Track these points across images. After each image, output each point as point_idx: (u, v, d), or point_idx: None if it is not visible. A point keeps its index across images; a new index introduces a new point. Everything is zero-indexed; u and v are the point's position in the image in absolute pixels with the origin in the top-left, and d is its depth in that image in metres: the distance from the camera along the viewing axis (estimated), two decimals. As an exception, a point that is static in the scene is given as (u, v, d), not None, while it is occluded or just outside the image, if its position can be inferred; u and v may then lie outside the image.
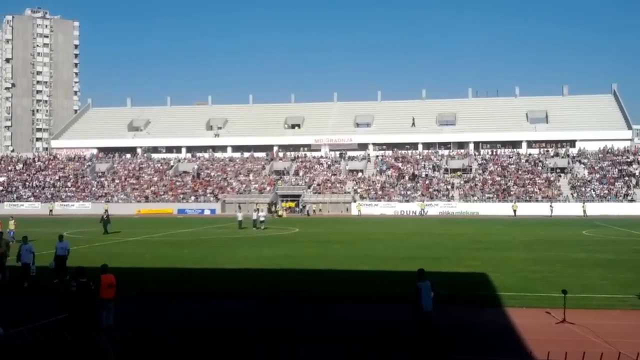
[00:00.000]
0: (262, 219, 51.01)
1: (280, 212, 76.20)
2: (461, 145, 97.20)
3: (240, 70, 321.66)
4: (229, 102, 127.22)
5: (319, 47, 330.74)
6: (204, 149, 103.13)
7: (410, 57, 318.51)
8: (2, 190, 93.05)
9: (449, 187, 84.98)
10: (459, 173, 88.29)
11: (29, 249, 21.35)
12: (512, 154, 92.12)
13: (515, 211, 74.82)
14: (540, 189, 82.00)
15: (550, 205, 74.73)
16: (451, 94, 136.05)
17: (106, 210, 48.79)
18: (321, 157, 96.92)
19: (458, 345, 13.30)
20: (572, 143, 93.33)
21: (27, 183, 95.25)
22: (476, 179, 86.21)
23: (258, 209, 54.21)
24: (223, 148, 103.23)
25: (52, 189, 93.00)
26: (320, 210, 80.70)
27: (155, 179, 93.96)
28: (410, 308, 13.65)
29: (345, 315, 16.38)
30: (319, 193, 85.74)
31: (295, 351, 8.50)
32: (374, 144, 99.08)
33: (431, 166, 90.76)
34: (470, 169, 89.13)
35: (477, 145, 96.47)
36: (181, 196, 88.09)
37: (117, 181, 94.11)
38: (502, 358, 11.96)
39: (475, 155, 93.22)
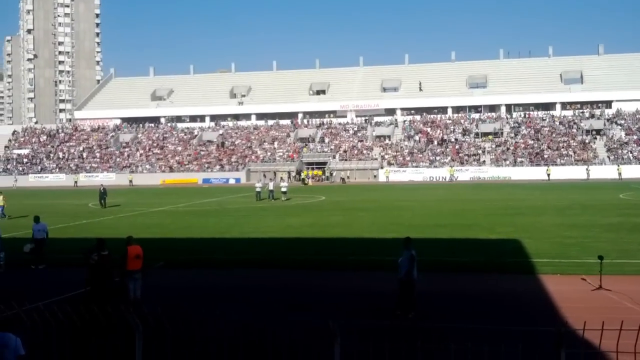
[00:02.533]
0: (283, 189, 47.81)
1: (306, 180, 76.32)
2: (492, 108, 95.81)
3: (264, 36, 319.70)
4: (253, 69, 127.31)
5: (344, 9, 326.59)
6: (227, 117, 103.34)
7: (439, 18, 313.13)
8: (26, 163, 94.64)
9: (480, 151, 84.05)
10: (490, 137, 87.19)
11: (43, 227, 20.28)
12: (546, 116, 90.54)
13: (549, 175, 73.87)
14: (574, 152, 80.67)
15: (587, 169, 73.63)
16: (481, 56, 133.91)
17: (102, 185, 47.90)
18: (347, 123, 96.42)
19: (491, 314, 13.21)
20: (608, 104, 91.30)
21: (52, 155, 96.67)
22: (508, 143, 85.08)
23: (272, 178, 53.58)
24: (247, 116, 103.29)
25: (76, 160, 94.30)
26: (348, 177, 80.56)
27: (180, 148, 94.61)
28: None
29: (372, 284, 16.36)
30: (346, 160, 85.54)
31: (325, 323, 8.50)
32: (402, 109, 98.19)
33: (461, 130, 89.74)
34: (502, 133, 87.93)
35: (509, 107, 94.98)
36: (206, 165, 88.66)
37: (141, 151, 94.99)
38: (537, 327, 11.83)
39: (507, 118, 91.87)
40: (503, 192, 53.05)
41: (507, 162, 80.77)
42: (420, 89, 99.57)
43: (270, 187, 48.58)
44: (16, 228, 29.80)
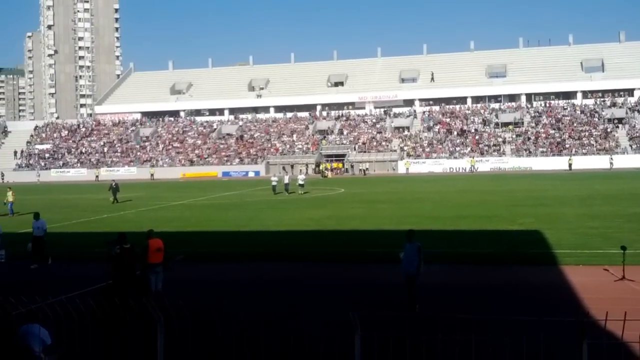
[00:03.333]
0: (300, 182, 46.98)
1: (325, 173, 76.32)
2: (512, 97, 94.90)
3: (282, 29, 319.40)
4: (271, 61, 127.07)
5: (361, 1, 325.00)
6: (246, 110, 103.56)
7: (457, 8, 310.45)
8: (48, 158, 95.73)
9: (500, 141, 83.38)
10: (510, 127, 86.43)
11: (41, 225, 19.62)
12: (567, 105, 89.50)
13: (570, 165, 73.12)
14: (597, 141, 79.69)
15: (611, 158, 72.75)
16: (501, 45, 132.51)
17: (114, 180, 47.78)
18: (365, 115, 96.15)
19: (512, 305, 13.13)
20: (630, 92, 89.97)
21: (73, 150, 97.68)
22: (529, 133, 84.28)
23: (287, 171, 53.28)
24: (265, 109, 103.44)
25: (97, 155, 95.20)
26: (367, 169, 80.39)
27: (199, 142, 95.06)
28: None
29: (393, 276, 16.32)
30: (364, 152, 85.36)
31: (345, 314, 8.52)
32: (420, 100, 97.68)
33: (481, 120, 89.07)
34: (523, 122, 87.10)
35: (530, 97, 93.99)
36: (225, 159, 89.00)
37: (161, 145, 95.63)
38: (559, 318, 11.74)
39: (527, 107, 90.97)
40: (524, 182, 52.61)
41: (528, 152, 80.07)
42: (432, 80, 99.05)
43: (286, 180, 48.22)
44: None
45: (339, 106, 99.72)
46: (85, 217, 32.93)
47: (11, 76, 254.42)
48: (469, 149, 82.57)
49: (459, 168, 78.26)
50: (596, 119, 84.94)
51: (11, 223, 29.82)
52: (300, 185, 46.66)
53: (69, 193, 56.56)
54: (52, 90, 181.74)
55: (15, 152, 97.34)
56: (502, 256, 18.41)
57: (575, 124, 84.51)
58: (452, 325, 11.25)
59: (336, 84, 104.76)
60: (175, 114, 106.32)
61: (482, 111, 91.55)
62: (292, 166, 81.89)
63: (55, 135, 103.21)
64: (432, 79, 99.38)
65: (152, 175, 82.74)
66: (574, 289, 14.25)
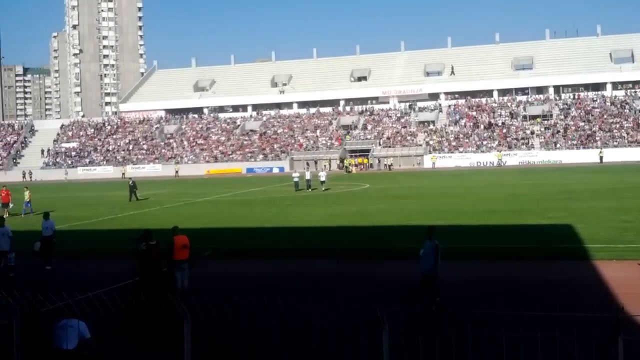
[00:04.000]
0: (322, 178, 46.31)
1: (350, 168, 76.17)
2: (540, 90, 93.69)
3: (303, 24, 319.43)
4: (293, 57, 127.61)
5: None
6: (269, 106, 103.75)
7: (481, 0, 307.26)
8: (75, 156, 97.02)
9: (529, 134, 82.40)
10: (538, 120, 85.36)
11: (50, 225, 19.09)
12: (596, 97, 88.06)
13: (601, 158, 72.03)
14: (628, 133, 78.32)
15: (643, 150, 71.59)
16: (527, 37, 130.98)
17: (130, 177, 47.25)
18: (390, 109, 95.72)
19: (544, 301, 12.93)
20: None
21: (99, 148, 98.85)
22: (558, 125, 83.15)
23: (308, 167, 53.05)
24: (289, 104, 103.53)
25: (122, 152, 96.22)
26: (392, 164, 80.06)
27: (223, 138, 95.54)
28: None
29: (418, 272, 16.17)
30: (389, 147, 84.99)
31: (372, 309, 8.45)
32: (446, 93, 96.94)
33: (508, 113, 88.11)
34: (551, 115, 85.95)
35: (558, 89, 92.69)
36: (249, 155, 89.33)
37: (185, 142, 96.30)
38: (592, 314, 11.52)
39: (555, 99, 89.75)
40: (554, 176, 51.93)
41: (558, 145, 79.03)
42: (453, 73, 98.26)
43: (307, 176, 47.19)
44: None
45: (363, 101, 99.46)
46: (111, 215, 33.28)
47: (37, 76, 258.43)
48: (496, 142, 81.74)
49: (487, 162, 77.53)
50: (627, 111, 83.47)
51: (27, 222, 30.15)
52: (322, 181, 46.06)
53: (95, 191, 57.24)
54: (78, 89, 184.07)
55: (43, 151, 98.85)
56: (533, 251, 18.17)
57: (605, 116, 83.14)
58: (481, 322, 11.11)
59: (359, 79, 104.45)
60: (198, 110, 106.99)
61: (509, 104, 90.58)
62: (315, 162, 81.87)
63: (81, 133, 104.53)
64: (452, 72, 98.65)
65: (176, 172, 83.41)
66: (607, 284, 13.99)
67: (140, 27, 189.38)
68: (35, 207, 35.86)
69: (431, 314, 11.88)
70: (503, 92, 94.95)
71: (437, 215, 27.48)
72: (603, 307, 12.06)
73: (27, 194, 36.00)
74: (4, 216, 33.39)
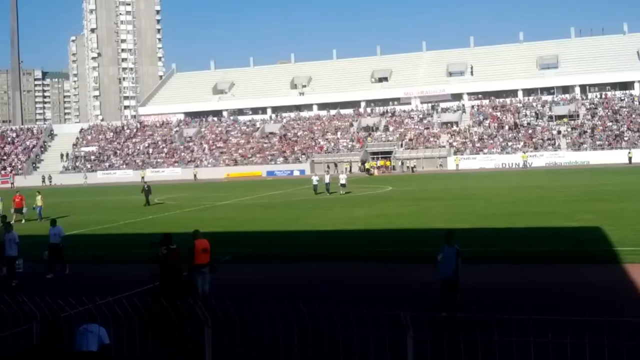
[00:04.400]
0: (342, 181, 45.51)
1: (372, 171, 76.03)
2: (566, 89, 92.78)
3: (323, 25, 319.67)
4: (313, 58, 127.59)
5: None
6: (289, 108, 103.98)
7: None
8: (94, 160, 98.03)
9: (555, 135, 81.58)
10: (565, 120, 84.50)
11: (58, 231, 18.79)
12: (624, 96, 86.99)
13: (630, 158, 71.09)
14: (658, 133, 77.22)
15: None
16: (551, 35, 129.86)
17: (145, 181, 46.50)
18: (412, 110, 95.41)
19: (572, 305, 12.75)
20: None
21: (118, 151, 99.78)
22: (585, 125, 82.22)
23: (327, 170, 52.77)
24: (309, 106, 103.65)
25: (142, 156, 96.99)
26: (415, 166, 79.71)
27: (242, 141, 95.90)
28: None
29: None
30: (412, 148, 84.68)
31: (396, 314, 8.40)
32: (469, 94, 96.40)
33: (533, 114, 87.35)
34: (578, 115, 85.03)
35: (584, 88, 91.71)
36: (269, 158, 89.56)
37: (204, 145, 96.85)
38: (621, 318, 11.34)
39: (582, 99, 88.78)
40: (582, 177, 51.34)
41: (585, 146, 78.15)
42: (472, 74, 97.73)
43: (327, 179, 47.10)
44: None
45: (384, 102, 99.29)
46: (131, 218, 33.53)
47: (56, 80, 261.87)
48: (521, 143, 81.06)
49: (512, 163, 76.90)
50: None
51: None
52: (342, 185, 45.28)
53: (115, 195, 57.77)
54: (97, 93, 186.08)
55: (62, 155, 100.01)
56: (561, 254, 17.96)
57: (633, 115, 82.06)
58: (508, 327, 10.99)
59: (380, 80, 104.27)
60: (217, 113, 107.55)
61: (534, 104, 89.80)
62: (335, 164, 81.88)
63: (100, 137, 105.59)
64: (472, 72, 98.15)
65: (195, 175, 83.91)
66: (638, 288, 13.77)
67: (158, 30, 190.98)
68: (55, 211, 36.18)
69: (456, 319, 11.76)
70: (528, 92, 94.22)
71: (462, 218, 27.29)
72: (634, 312, 11.87)
73: (39, 198, 35.72)
74: (20, 221, 33.83)
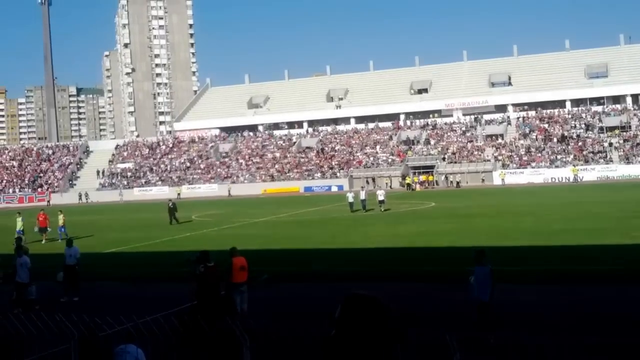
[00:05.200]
0: (381, 197, 43.49)
1: (413, 186, 75.51)
2: (616, 99, 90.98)
3: (359, 36, 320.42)
4: (349, 70, 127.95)
5: (444, 1, 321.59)
6: (325, 122, 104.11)
7: (549, 4, 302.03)
8: (130, 176, 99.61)
9: (606, 147, 79.99)
10: (616, 131, 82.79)
11: (74, 252, 18.61)
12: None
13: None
14: None
15: None
16: (599, 43, 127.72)
17: (170, 200, 45.94)
18: (454, 122, 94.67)
19: (627, 327, 12.40)
20: None
21: (154, 168, 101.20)
22: (638, 137, 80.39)
23: (364, 186, 51.76)
24: (346, 120, 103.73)
25: (178, 172, 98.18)
26: (459, 182, 78.76)
27: (279, 156, 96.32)
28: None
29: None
30: (455, 162, 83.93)
31: (442, 335, 8.25)
32: (514, 105, 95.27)
33: (583, 125, 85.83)
34: (630, 126, 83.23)
35: (636, 98, 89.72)
36: (306, 173, 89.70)
37: (240, 160, 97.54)
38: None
39: (634, 109, 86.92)
40: (635, 192, 50.12)
41: (638, 159, 76.35)
42: (510, 84, 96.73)
43: (362, 196, 44.61)
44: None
45: (424, 114, 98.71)
46: (168, 236, 33.92)
47: (91, 96, 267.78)
48: (571, 156, 79.63)
49: (561, 178, 75.50)
50: None
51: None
52: (380, 201, 43.35)
53: (151, 212, 58.51)
54: (131, 109, 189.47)
55: (98, 172, 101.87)
56: (615, 273, 17.52)
57: (691, 126, 80.00)
58: (561, 348, 10.72)
59: (420, 91, 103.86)
60: (253, 128, 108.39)
61: (583, 115, 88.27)
62: (374, 179, 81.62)
63: (136, 153, 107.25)
64: (510, 82, 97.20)
65: (229, 191, 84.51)
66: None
67: (192, 45, 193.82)
68: (92, 229, 36.89)
69: (493, 342, 11.50)
70: (576, 102, 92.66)
71: (509, 235, 26.89)
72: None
73: (61, 217, 35.29)
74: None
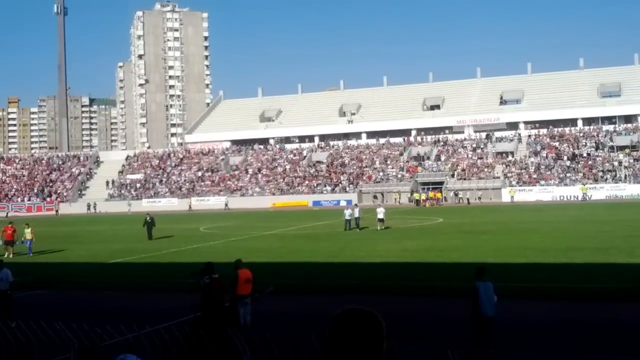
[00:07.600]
0: (380, 215, 40.82)
1: (421, 202, 75.29)
2: (628, 118, 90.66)
3: (373, 51, 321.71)
4: (362, 85, 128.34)
5: (456, 17, 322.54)
6: (337, 136, 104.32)
7: (564, 23, 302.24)
8: (139, 188, 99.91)
9: (616, 166, 79.56)
10: (627, 150, 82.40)
11: (5, 275, 16.35)
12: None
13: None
14: None
15: None
16: (613, 62, 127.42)
17: (148, 214, 43.14)
18: (465, 139, 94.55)
19: (633, 346, 12.30)
20: None
21: (164, 179, 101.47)
22: (649, 156, 80.00)
23: (356, 204, 49.54)
24: (357, 134, 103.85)
25: (187, 184, 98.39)
26: (469, 199, 78.49)
27: (288, 168, 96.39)
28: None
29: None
30: (464, 179, 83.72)
31: (443, 350, 8.22)
32: (525, 122, 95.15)
33: (594, 144, 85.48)
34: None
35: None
36: (316, 187, 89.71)
37: (250, 173, 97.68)
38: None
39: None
40: (645, 211, 49.78)
41: (649, 178, 75.92)
42: (522, 101, 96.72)
43: (356, 214, 41.37)
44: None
45: (436, 130, 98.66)
46: (175, 247, 33.99)
47: (104, 106, 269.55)
48: (581, 175, 79.29)
49: (570, 196, 75.17)
50: None
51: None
52: (379, 220, 40.73)
53: (159, 223, 58.59)
54: (143, 120, 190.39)
55: (107, 182, 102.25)
56: (621, 292, 17.39)
57: (703, 146, 79.46)
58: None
59: (432, 107, 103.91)
60: (264, 141, 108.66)
61: (594, 134, 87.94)
62: (382, 194, 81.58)
63: (146, 164, 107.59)
64: (522, 100, 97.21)
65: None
66: None
67: (206, 57, 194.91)
68: (98, 237, 36.95)
69: (507, 357, 11.46)
70: (588, 121, 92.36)
71: (517, 252, 26.78)
72: None
73: (28, 231, 32.56)
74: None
